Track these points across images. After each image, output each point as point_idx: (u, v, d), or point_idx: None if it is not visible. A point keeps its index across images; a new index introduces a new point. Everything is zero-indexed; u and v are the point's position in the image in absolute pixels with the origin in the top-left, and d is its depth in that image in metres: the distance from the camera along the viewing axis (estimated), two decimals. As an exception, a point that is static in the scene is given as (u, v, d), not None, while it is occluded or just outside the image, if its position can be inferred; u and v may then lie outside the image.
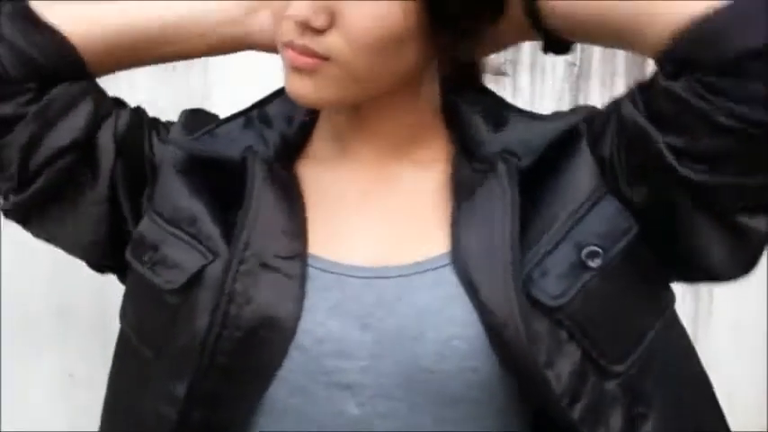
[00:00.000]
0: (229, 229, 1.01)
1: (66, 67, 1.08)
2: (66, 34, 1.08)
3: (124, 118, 1.12)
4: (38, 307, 1.60)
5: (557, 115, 1.09)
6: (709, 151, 0.95)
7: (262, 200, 1.02)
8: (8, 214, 1.12)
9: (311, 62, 0.94)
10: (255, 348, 0.97)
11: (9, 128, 1.07)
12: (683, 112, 0.95)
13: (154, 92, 1.47)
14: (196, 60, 1.53)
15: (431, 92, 1.05)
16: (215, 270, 0.99)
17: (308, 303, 0.98)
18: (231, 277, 0.98)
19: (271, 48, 1.07)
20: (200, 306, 0.98)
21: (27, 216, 1.13)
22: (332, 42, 0.93)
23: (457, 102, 1.05)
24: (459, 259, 0.98)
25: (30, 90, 1.07)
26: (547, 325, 0.96)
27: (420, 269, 1.01)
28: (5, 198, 1.10)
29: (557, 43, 1.05)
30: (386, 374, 0.98)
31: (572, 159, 1.03)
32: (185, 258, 1.01)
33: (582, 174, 1.02)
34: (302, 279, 0.99)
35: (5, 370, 1.54)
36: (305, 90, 0.96)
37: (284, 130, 1.07)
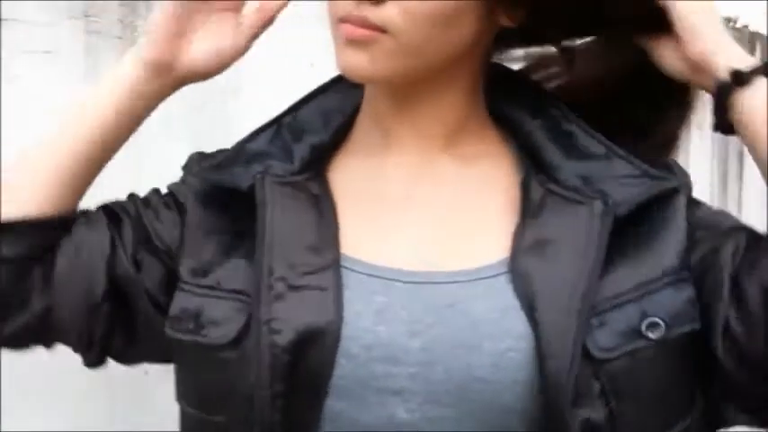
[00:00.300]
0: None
1: (47, 236, 1.09)
2: (27, 217, 1.08)
3: (127, 234, 1.11)
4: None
5: (646, 159, 1.05)
6: (757, 359, 0.94)
7: (277, 222, 1.00)
8: (94, 365, 1.16)
9: (368, 34, 0.94)
10: (305, 366, 0.94)
11: (50, 321, 1.09)
12: (763, 311, 0.94)
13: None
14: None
15: (478, 82, 1.04)
16: (254, 309, 0.97)
17: (352, 309, 0.96)
18: (265, 307, 0.94)
19: (211, 68, 1.11)
20: (248, 349, 0.96)
21: (104, 359, 1.16)
22: (389, 14, 0.93)
23: (502, 102, 1.04)
24: (519, 274, 0.96)
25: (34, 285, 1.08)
26: (586, 372, 0.93)
27: (471, 277, 0.98)
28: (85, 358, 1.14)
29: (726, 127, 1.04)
30: (436, 382, 0.94)
31: (664, 222, 1.00)
32: (230, 312, 0.99)
33: (670, 243, 0.99)
34: (338, 288, 0.96)
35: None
36: (359, 63, 0.96)
37: (316, 139, 1.07)
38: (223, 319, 0.99)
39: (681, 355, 0.98)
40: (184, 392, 1.06)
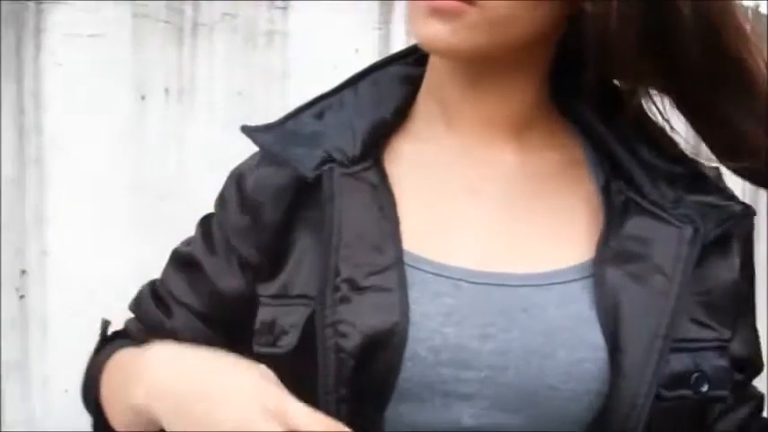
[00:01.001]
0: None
1: None
2: None
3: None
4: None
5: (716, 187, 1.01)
6: None
7: (344, 219, 0.97)
8: None
9: (456, 5, 0.91)
10: (371, 370, 0.91)
11: None
12: None
13: (231, 69, 1.46)
14: (277, 36, 1.49)
15: (546, 70, 1.01)
16: (318, 312, 0.94)
17: (419, 311, 0.93)
18: (330, 309, 0.93)
19: None
20: (314, 353, 0.93)
21: None
22: None
23: (568, 95, 1.01)
24: (602, 285, 0.93)
25: None
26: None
27: (544, 281, 0.94)
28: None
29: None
30: (506, 387, 0.91)
31: (726, 263, 0.98)
32: (294, 318, 0.96)
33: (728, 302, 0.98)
34: (403, 289, 0.93)
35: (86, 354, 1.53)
36: (440, 35, 0.92)
37: (377, 115, 1.03)
38: (291, 326, 0.98)
39: (703, 417, 0.97)
40: None
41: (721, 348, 0.96)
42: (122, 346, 1.06)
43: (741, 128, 1.00)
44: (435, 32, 0.93)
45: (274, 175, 1.03)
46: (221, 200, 1.08)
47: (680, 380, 0.92)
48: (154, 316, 1.11)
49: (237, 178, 1.06)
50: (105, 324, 1.15)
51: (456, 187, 0.99)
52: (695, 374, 0.93)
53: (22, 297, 1.50)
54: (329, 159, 0.99)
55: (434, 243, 0.95)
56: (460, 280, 0.93)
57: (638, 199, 0.97)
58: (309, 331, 0.94)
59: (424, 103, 1.02)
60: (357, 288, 0.93)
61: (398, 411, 0.92)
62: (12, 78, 1.44)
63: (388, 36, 1.61)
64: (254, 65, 1.53)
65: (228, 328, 1.06)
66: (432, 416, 0.92)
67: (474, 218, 0.97)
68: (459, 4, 0.91)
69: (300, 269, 0.98)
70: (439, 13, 0.92)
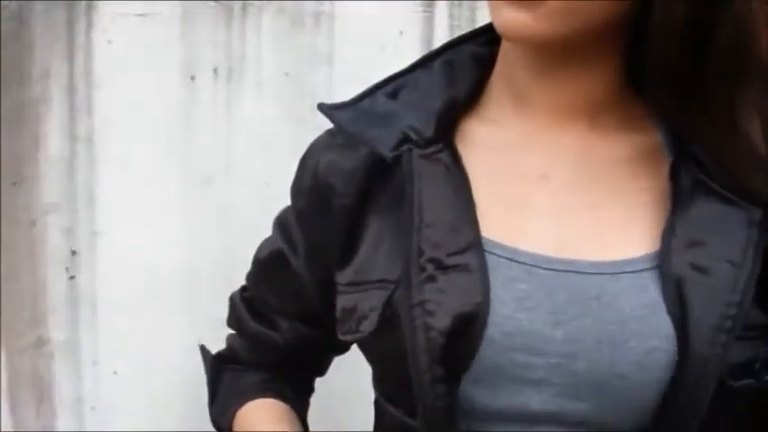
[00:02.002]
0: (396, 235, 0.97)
1: None
2: None
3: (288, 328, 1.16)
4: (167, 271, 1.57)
5: None
6: None
7: (424, 198, 0.96)
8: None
9: None
10: (453, 350, 0.92)
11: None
12: None
13: (280, 50, 1.47)
14: (324, 18, 1.48)
15: (622, 53, 0.99)
16: (400, 293, 0.95)
17: (493, 295, 0.93)
18: (416, 289, 0.92)
19: None
20: (399, 334, 0.94)
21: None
22: None
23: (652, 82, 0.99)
24: (670, 276, 0.92)
25: None
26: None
27: (616, 269, 0.94)
28: None
29: None
30: (576, 375, 0.92)
31: None
32: (373, 302, 0.97)
33: None
34: (484, 269, 0.93)
35: (136, 336, 1.53)
36: (521, 22, 0.91)
37: (450, 95, 1.02)
38: (370, 310, 0.97)
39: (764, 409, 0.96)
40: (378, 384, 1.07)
41: None
42: (249, 392, 1.15)
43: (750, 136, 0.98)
44: (515, 21, 0.91)
45: (347, 157, 1.03)
46: (294, 188, 1.09)
47: (745, 369, 0.92)
48: (260, 333, 1.17)
49: (309, 162, 1.06)
50: (205, 351, 1.17)
51: (527, 172, 0.99)
52: (758, 363, 0.92)
53: (72, 277, 1.50)
54: (406, 139, 0.98)
55: (506, 227, 0.96)
56: (534, 266, 0.94)
57: (706, 179, 0.96)
58: (389, 313, 0.94)
59: (496, 85, 1.01)
60: (442, 267, 0.93)
61: (468, 395, 0.92)
62: (63, 57, 1.45)
63: (432, 18, 1.60)
64: (302, 46, 1.52)
65: (324, 321, 1.06)
66: (500, 401, 0.92)
67: (545, 203, 0.97)
68: None
69: (378, 253, 0.99)
70: (519, 2, 0.91)
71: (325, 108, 1.04)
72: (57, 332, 1.51)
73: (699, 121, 0.95)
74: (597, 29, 0.93)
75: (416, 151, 0.98)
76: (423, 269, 0.93)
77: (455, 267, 0.93)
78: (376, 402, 1.06)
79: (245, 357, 1.18)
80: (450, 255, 0.94)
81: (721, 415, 0.93)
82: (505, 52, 1.01)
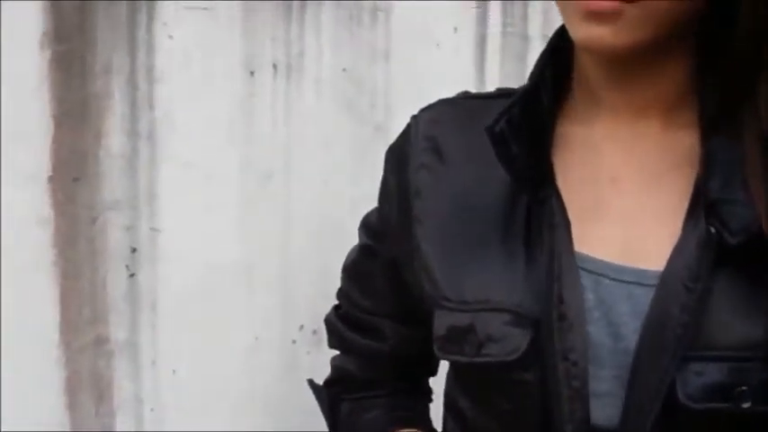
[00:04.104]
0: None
1: None
2: None
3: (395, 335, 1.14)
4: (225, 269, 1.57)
5: None
6: None
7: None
8: None
9: (615, 5, 0.87)
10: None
11: None
12: None
13: (338, 42, 1.48)
14: (380, 14, 1.48)
15: (694, 48, 0.97)
16: (544, 335, 0.93)
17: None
18: (558, 335, 0.92)
19: None
20: (551, 351, 0.92)
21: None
22: None
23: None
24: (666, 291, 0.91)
25: None
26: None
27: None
28: None
29: None
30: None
31: None
32: (503, 325, 0.94)
33: None
34: (576, 276, 0.93)
35: (195, 335, 1.52)
36: (602, 36, 0.89)
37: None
38: (501, 333, 0.94)
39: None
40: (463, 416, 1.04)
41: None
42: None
43: None
44: (595, 35, 0.89)
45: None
46: (383, 192, 1.08)
47: (719, 393, 0.89)
48: (366, 346, 1.15)
49: (398, 162, 1.06)
50: (314, 384, 1.17)
51: (599, 173, 0.97)
52: (738, 388, 0.89)
53: (132, 275, 1.48)
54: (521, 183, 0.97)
55: (578, 232, 0.93)
56: (602, 275, 0.92)
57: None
58: (532, 351, 0.93)
59: (576, 83, 1.00)
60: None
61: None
62: (124, 52, 1.43)
63: (485, 14, 1.60)
64: (359, 41, 1.51)
65: (420, 317, 1.05)
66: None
67: (614, 207, 0.95)
68: (617, 3, 0.87)
69: (489, 272, 0.97)
70: (597, 16, 0.89)
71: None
72: (116, 331, 1.49)
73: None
74: (675, 33, 0.92)
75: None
76: (562, 317, 0.92)
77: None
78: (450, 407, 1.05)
79: (356, 375, 1.16)
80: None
81: None
82: (578, 53, 0.99)
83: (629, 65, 0.94)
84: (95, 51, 1.43)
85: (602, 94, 0.96)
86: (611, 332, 0.91)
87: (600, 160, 0.97)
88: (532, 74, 1.00)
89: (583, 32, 0.89)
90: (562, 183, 0.95)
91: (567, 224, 0.93)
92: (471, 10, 1.59)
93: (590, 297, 0.92)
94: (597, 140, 0.97)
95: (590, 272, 0.92)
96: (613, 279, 0.92)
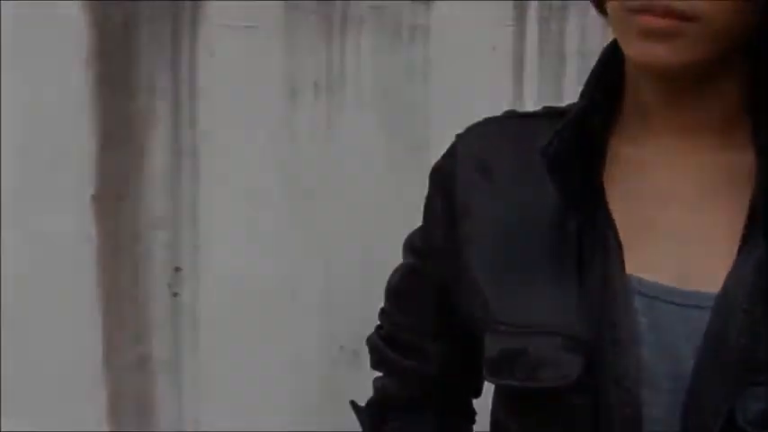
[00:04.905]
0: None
1: None
2: None
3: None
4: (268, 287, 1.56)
5: None
6: None
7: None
8: None
9: (674, 24, 0.87)
10: None
11: None
12: None
13: (378, 59, 1.48)
14: (419, 32, 1.49)
15: (749, 66, 0.96)
16: (597, 362, 0.92)
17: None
18: (611, 364, 0.91)
19: None
20: (603, 376, 0.92)
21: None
22: (696, 1, 0.86)
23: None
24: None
25: None
26: None
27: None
28: None
29: None
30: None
31: None
32: (557, 349, 0.94)
33: None
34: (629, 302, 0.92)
35: (237, 354, 1.52)
36: (660, 55, 0.88)
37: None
38: (553, 357, 0.93)
39: None
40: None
41: None
42: None
43: None
44: (651, 53, 0.88)
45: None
46: (427, 212, 1.07)
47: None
48: (410, 368, 1.12)
49: (444, 182, 1.04)
50: (356, 406, 1.16)
51: (650, 194, 0.95)
52: None
53: (175, 294, 1.48)
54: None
55: (631, 254, 0.92)
56: (655, 298, 0.91)
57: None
58: (586, 377, 0.92)
59: (627, 101, 0.99)
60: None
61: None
62: (167, 70, 1.44)
63: (523, 33, 1.60)
64: (399, 60, 1.52)
65: (464, 336, 1.04)
66: None
67: (666, 227, 0.94)
68: (675, 22, 0.86)
69: (537, 294, 0.96)
70: (654, 34, 0.88)
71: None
72: (159, 350, 1.48)
73: None
74: (732, 51, 0.91)
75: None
76: (615, 342, 0.91)
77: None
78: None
79: (398, 396, 1.14)
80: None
81: None
82: (630, 70, 0.98)
83: (683, 83, 0.92)
84: (139, 70, 1.44)
85: (655, 111, 0.95)
86: (665, 355, 0.90)
87: (651, 180, 0.96)
88: (583, 92, 0.98)
89: (639, 50, 0.88)
90: (613, 204, 0.94)
91: (618, 246, 0.92)
92: (508, 28, 1.59)
93: (643, 320, 0.91)
94: (648, 160, 0.96)
95: (643, 294, 0.91)
96: (667, 301, 0.91)
